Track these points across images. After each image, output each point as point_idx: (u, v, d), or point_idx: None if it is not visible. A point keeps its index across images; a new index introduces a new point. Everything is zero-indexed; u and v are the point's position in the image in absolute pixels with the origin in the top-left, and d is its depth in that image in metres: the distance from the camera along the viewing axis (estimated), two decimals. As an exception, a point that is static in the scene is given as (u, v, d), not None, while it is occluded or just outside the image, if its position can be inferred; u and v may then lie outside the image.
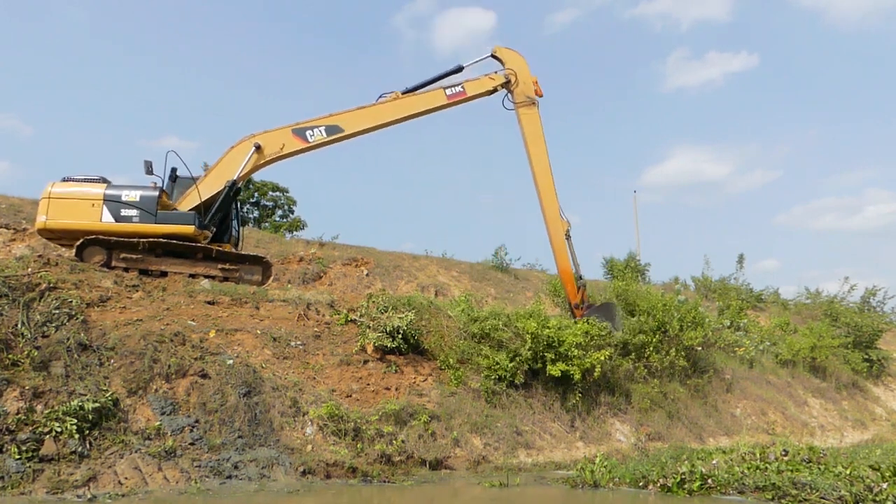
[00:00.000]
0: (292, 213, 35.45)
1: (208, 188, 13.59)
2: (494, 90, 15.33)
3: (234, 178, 13.67)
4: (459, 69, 15.28)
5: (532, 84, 15.41)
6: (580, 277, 15.57)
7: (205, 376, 9.68)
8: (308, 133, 14.13)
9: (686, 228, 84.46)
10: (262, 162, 14.07)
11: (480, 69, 15.58)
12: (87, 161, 75.70)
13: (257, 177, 33.98)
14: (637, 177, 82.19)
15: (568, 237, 15.46)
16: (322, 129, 14.19)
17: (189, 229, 12.96)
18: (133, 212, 12.79)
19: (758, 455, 9.90)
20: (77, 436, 7.93)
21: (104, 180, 13.11)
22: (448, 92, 14.95)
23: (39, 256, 11.90)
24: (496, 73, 15.40)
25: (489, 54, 15.63)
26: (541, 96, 15.52)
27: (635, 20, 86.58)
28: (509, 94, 15.40)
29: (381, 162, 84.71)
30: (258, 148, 13.84)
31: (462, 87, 15.06)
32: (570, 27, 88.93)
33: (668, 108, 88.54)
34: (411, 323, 12.46)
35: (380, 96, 14.68)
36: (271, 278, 14.91)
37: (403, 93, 14.72)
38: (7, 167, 65.66)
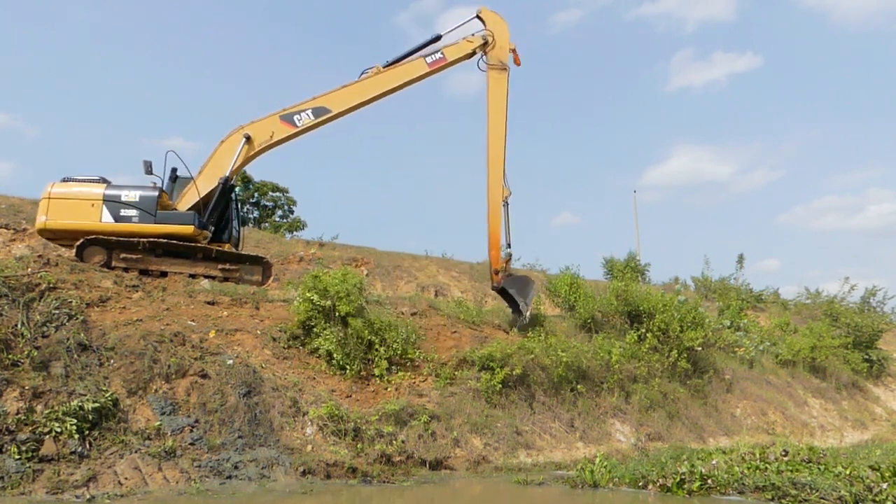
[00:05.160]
0: (292, 213, 35.54)
1: (202, 186, 13.57)
2: (473, 53, 15.38)
3: (227, 173, 13.63)
4: (438, 38, 15.34)
5: (507, 49, 15.46)
6: (508, 245, 15.58)
7: (205, 376, 9.68)
8: (296, 118, 14.12)
9: (687, 228, 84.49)
10: (254, 153, 14.00)
11: (461, 38, 15.54)
12: (92, 162, 75.87)
13: (257, 177, 34.08)
14: (638, 176, 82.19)
15: (506, 205, 15.44)
16: (309, 112, 14.17)
17: (189, 229, 12.95)
18: (133, 212, 12.78)
19: (758, 455, 9.91)
20: (77, 436, 7.93)
21: (104, 180, 13.12)
22: (428, 60, 14.96)
23: (39, 256, 11.89)
24: (474, 34, 15.44)
25: (474, 15, 15.70)
26: (518, 65, 15.66)
27: (640, 20, 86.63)
28: (484, 57, 15.44)
29: (380, 162, 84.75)
30: (248, 139, 13.80)
31: (442, 53, 15.09)
32: (575, 27, 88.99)
33: (671, 108, 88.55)
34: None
35: (362, 73, 14.72)
36: (271, 278, 14.90)
37: (385, 66, 14.77)
38: (13, 168, 65.76)
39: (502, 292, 15.71)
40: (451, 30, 15.59)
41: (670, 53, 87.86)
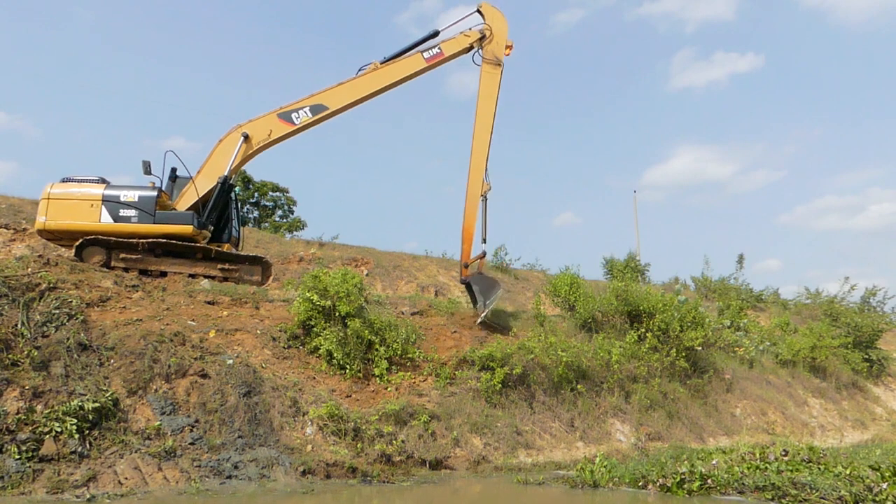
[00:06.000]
0: (292, 213, 35.58)
1: (202, 185, 13.57)
2: (470, 47, 15.51)
3: (226, 173, 13.63)
4: (436, 34, 15.40)
5: (504, 45, 15.56)
6: (483, 241, 15.65)
7: (205, 376, 9.68)
8: (294, 115, 14.14)
9: (687, 228, 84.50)
10: (252, 151, 14.01)
11: (459, 33, 15.63)
12: (94, 162, 76.03)
13: (257, 177, 34.10)
14: (639, 176, 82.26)
15: (485, 199, 15.45)
16: (307, 109, 14.20)
17: (188, 229, 12.96)
18: (132, 212, 12.79)
19: (757, 455, 9.90)
20: (77, 436, 7.94)
21: (103, 181, 13.13)
22: (426, 55, 15.04)
23: (39, 256, 11.90)
24: (471, 29, 15.54)
25: (475, 10, 15.78)
26: (507, 56, 15.74)
27: (640, 20, 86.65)
28: (480, 51, 15.50)
29: (381, 162, 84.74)
30: (246, 138, 13.81)
31: (439, 48, 15.18)
32: (576, 27, 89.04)
33: (672, 108, 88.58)
34: None
35: (359, 69, 14.75)
36: (271, 278, 14.90)
37: (382, 62, 14.78)
38: (16, 168, 65.79)
39: (468, 287, 15.66)
40: (451, 25, 15.68)
41: (671, 53, 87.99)
